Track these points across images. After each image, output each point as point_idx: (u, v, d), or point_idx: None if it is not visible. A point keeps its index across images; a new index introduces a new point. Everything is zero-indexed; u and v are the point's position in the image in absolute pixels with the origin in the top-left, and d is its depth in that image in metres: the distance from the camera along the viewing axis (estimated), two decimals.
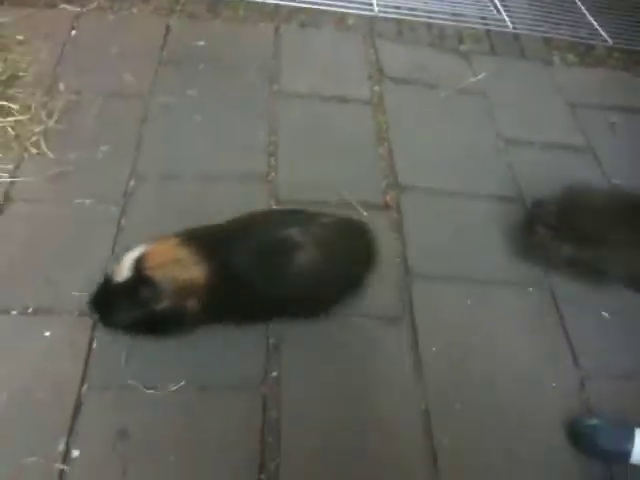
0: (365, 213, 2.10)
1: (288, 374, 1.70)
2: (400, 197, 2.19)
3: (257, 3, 2.89)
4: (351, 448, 1.60)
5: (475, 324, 1.89)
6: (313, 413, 1.64)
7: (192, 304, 1.54)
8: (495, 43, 2.99)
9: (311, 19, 2.91)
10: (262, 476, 1.52)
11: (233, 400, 1.63)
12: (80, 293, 1.77)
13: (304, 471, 1.54)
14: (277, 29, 2.79)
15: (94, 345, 1.69)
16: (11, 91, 2.28)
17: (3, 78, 2.31)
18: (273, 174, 2.18)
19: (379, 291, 1.91)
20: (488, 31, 3.04)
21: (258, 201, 2.09)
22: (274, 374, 1.70)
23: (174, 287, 1.50)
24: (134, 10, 2.73)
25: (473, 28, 3.03)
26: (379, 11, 2.98)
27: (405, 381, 1.74)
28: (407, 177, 2.26)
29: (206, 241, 1.59)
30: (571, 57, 3.02)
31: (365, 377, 1.74)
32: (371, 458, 1.59)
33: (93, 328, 1.72)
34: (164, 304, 1.50)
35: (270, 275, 1.58)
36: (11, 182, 2.02)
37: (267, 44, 2.71)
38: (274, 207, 2.07)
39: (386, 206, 2.15)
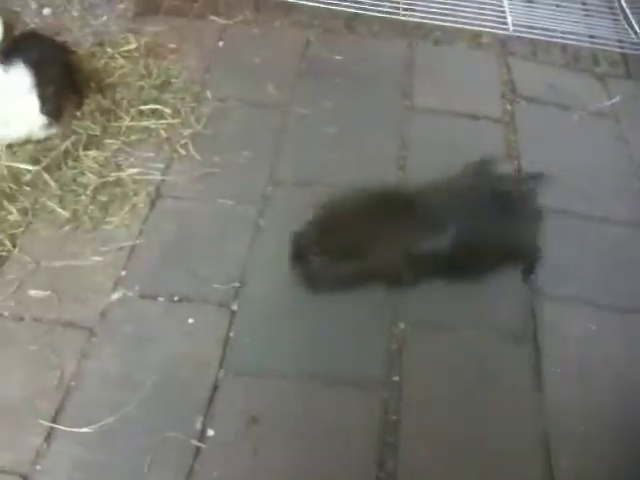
0: None
1: (410, 380, 1.76)
2: None
3: (392, 20, 2.98)
4: (468, 461, 1.64)
5: (601, 349, 1.88)
6: (433, 421, 1.69)
7: None
8: (631, 67, 2.93)
9: (444, 36, 2.96)
10: (381, 474, 1.59)
11: (355, 399, 1.72)
12: (220, 286, 1.92)
13: (423, 473, 1.60)
14: (410, 45, 2.87)
15: (231, 334, 1.82)
16: (164, 96, 2.47)
17: (157, 83, 2.51)
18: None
19: (504, 307, 1.94)
20: (624, 54, 2.99)
21: None
22: (395, 379, 1.76)
23: None
24: (277, 24, 2.88)
25: (609, 50, 2.98)
26: (513, 30, 2.99)
27: (525, 400, 1.76)
28: None
29: None
30: None
31: (485, 392, 1.77)
32: (489, 473, 1.63)
33: (231, 319, 1.85)
34: None
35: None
36: (162, 180, 2.20)
37: (400, 60, 2.79)
38: None
39: None
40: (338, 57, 2.74)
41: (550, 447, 1.67)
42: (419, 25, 2.98)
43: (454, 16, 3.00)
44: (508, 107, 2.63)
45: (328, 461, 1.60)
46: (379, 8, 2.98)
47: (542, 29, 3.03)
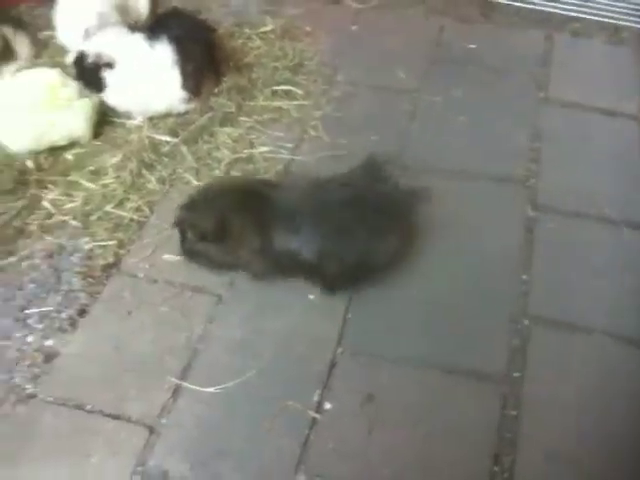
0: (628, 232, 2.04)
1: (531, 377, 1.72)
2: None
3: (529, 9, 2.90)
4: (589, 460, 1.58)
5: None
6: (553, 418, 1.64)
7: None
8: None
9: (583, 29, 2.85)
10: (496, 468, 1.57)
11: (474, 391, 1.69)
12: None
13: (540, 471, 1.56)
14: (548, 37, 2.78)
15: (349, 315, 1.85)
16: (297, 78, 2.52)
17: (291, 65, 2.57)
18: (533, 180, 2.20)
19: (626, 309, 1.86)
20: None
21: (514, 204, 2.12)
22: (516, 374, 1.73)
23: None
24: (411, 10, 2.87)
25: None
26: None
27: None
28: None
29: None
30: None
31: (605, 395, 1.70)
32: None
33: (349, 300, 1.87)
34: None
35: None
36: (291, 159, 2.25)
37: (537, 51, 2.71)
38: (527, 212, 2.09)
39: None
40: (472, 46, 2.70)
41: None
42: (557, 16, 2.88)
43: (594, 8, 2.88)
44: None
45: (443, 450, 1.59)
46: None
47: None
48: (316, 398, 1.67)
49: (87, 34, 2.37)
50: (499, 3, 2.89)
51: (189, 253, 1.88)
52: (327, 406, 1.66)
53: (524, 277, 1.94)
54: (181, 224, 1.84)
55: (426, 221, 2.06)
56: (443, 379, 1.71)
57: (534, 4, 2.90)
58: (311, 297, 1.88)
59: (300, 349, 1.77)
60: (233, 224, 1.78)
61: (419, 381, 1.71)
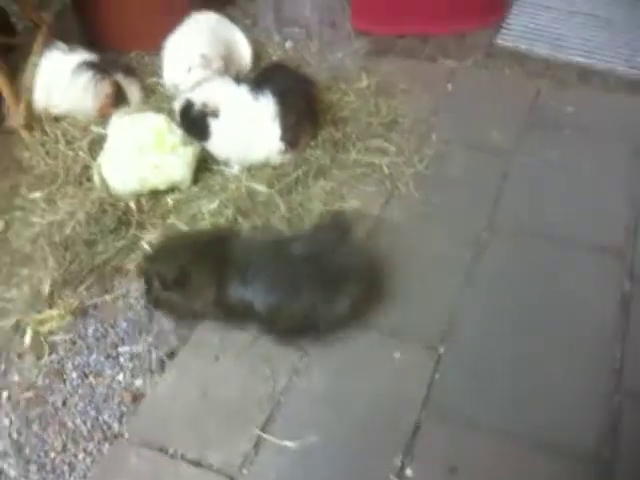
0: None
1: (624, 455, 1.64)
2: None
3: (626, 75, 2.85)
4: None
5: None
6: None
7: None
8: None
9: None
10: None
11: (562, 470, 1.63)
12: (429, 326, 1.93)
13: None
14: None
15: (436, 376, 1.82)
16: (390, 134, 2.55)
17: (385, 121, 2.60)
18: (630, 250, 2.13)
19: None
20: None
21: (609, 274, 2.06)
22: (607, 453, 1.65)
23: None
24: (507, 71, 2.87)
25: None
26: None
27: None
28: None
29: None
30: None
31: None
32: None
33: (437, 361, 1.85)
34: None
35: None
36: (381, 214, 2.26)
37: (635, 117, 2.65)
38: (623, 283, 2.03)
39: None
40: (569, 109, 2.67)
41: None
42: None
43: None
44: None
45: None
46: (612, 63, 2.86)
47: None
48: (398, 462, 1.64)
49: (189, 72, 2.52)
50: (596, 69, 2.85)
51: (154, 302, 1.92)
52: (409, 473, 1.62)
53: (618, 351, 1.87)
54: (146, 274, 1.90)
55: (516, 283, 2.03)
56: (533, 455, 1.65)
57: (629, 72, 2.85)
58: (397, 355, 1.87)
59: (384, 409, 1.76)
60: (193, 273, 1.83)
61: (507, 455, 1.65)
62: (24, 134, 2.55)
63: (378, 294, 1.99)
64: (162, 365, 1.87)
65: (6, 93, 2.49)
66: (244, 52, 2.82)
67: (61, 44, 2.63)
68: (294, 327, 1.84)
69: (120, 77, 2.61)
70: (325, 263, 1.83)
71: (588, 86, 2.81)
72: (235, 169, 2.38)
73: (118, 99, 2.58)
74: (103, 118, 2.55)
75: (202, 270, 1.83)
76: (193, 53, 2.56)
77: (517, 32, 3.04)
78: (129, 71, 2.70)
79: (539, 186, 2.36)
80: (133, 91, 2.63)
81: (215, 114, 2.26)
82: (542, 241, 2.16)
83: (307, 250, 1.85)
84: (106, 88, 2.56)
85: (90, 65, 2.56)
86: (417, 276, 2.08)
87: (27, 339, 1.94)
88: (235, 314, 1.87)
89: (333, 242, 1.89)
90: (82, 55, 2.60)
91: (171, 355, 1.89)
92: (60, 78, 2.56)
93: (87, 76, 2.54)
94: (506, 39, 3.01)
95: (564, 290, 2.03)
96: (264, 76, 2.42)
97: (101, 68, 2.58)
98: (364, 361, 1.86)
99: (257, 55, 2.91)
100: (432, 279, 2.07)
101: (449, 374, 1.82)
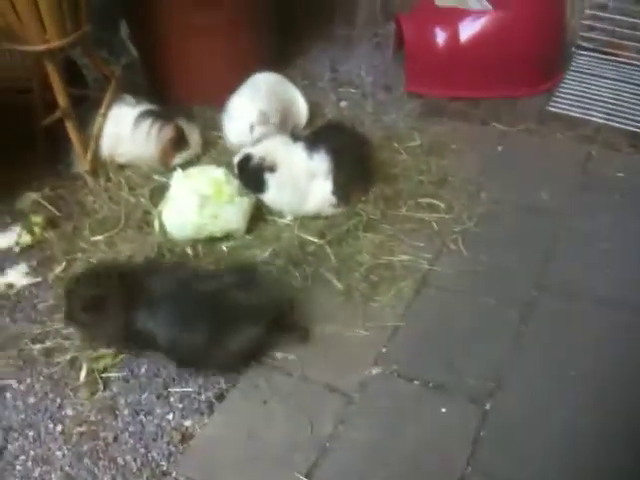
0: None
1: None
2: None
3: None
4: None
5: None
6: None
7: None
8: None
9: None
10: None
11: None
12: (475, 382, 1.93)
13: None
14: None
15: (482, 433, 1.81)
16: (440, 192, 2.61)
17: (435, 179, 2.66)
18: None
19: None
20: None
21: None
22: None
23: None
24: (558, 135, 2.91)
25: None
26: None
27: None
28: None
29: None
30: None
31: None
32: None
33: (483, 417, 1.85)
34: None
35: None
36: (429, 270, 2.30)
37: None
38: None
39: None
40: (619, 174, 2.69)
41: None
42: None
43: None
44: None
45: None
46: None
47: None
48: None
49: (251, 129, 2.63)
50: None
51: (69, 318, 2.03)
52: None
53: None
54: (67, 293, 2.02)
55: (565, 345, 2.04)
56: None
57: None
58: (443, 410, 1.87)
59: (428, 462, 1.76)
60: (108, 299, 1.94)
61: None
62: (89, 180, 2.70)
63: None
64: (211, 407, 1.91)
65: (75, 141, 2.64)
66: (301, 110, 2.94)
67: (129, 97, 2.78)
68: (193, 359, 1.95)
69: (182, 122, 2.74)
70: (227, 301, 1.94)
71: (639, 152, 2.83)
72: (288, 219, 2.46)
73: (179, 144, 2.71)
74: (166, 163, 2.70)
75: (117, 298, 1.94)
76: (253, 111, 2.68)
77: (569, 99, 3.10)
78: (189, 118, 2.83)
79: (589, 248, 2.37)
80: (193, 136, 2.76)
81: (272, 168, 2.35)
82: (592, 304, 2.16)
83: (212, 288, 1.96)
84: (168, 132, 2.69)
85: (151, 113, 2.70)
86: (464, 332, 2.09)
87: (82, 375, 2.01)
88: (141, 342, 1.98)
89: (238, 283, 1.99)
90: (146, 107, 2.74)
91: (220, 397, 1.93)
92: (125, 128, 2.70)
93: (149, 122, 2.67)
94: (558, 105, 3.07)
95: (614, 354, 2.01)
96: (319, 134, 2.52)
97: (162, 115, 2.72)
98: (410, 413, 1.87)
99: (313, 113, 3.02)
100: (480, 336, 2.08)
101: (494, 432, 1.82)
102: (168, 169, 2.68)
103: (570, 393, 1.90)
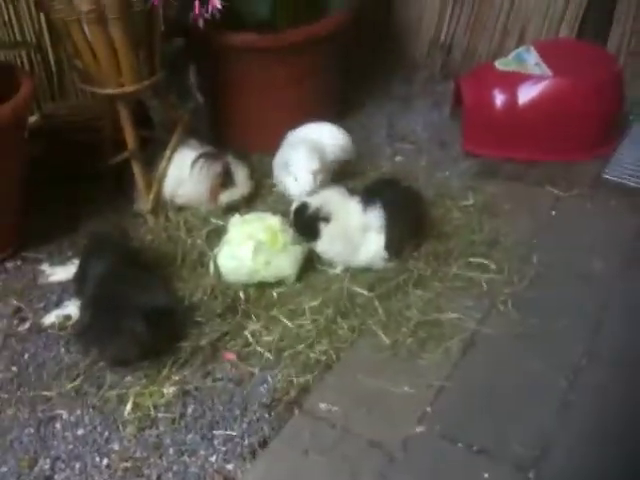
0: None
1: None
2: None
3: None
4: None
5: None
6: None
7: None
8: None
9: None
10: None
11: None
12: (520, 448, 1.91)
13: None
14: None
15: None
16: (492, 252, 2.61)
17: (487, 239, 2.67)
18: None
19: None
20: None
21: None
22: None
23: None
24: (612, 202, 2.90)
25: None
26: None
27: None
28: None
29: None
30: None
31: None
32: None
33: None
34: None
35: None
36: (477, 330, 2.30)
37: None
38: None
39: None
40: None
41: None
42: None
43: None
44: None
45: None
46: None
47: None
48: None
49: (314, 179, 2.72)
50: None
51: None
52: None
53: None
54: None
55: (614, 415, 2.00)
56: None
57: None
58: (486, 475, 1.85)
59: None
60: None
61: None
62: (149, 219, 2.79)
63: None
64: (254, 452, 1.93)
65: (140, 181, 2.74)
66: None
67: (193, 141, 2.89)
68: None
69: (229, 159, 2.82)
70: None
71: None
72: (338, 270, 2.50)
73: (226, 181, 2.79)
74: (213, 199, 2.79)
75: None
76: (315, 161, 2.76)
77: (626, 166, 3.09)
78: (239, 156, 2.89)
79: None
80: (241, 174, 2.83)
81: (327, 219, 2.41)
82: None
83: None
84: (216, 168, 2.77)
85: (206, 154, 2.80)
86: (511, 395, 2.08)
87: (127, 409, 2.05)
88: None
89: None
90: (205, 149, 2.83)
91: (263, 444, 1.95)
92: (186, 171, 2.79)
93: (202, 161, 2.76)
94: (614, 173, 3.06)
95: None
96: (374, 189, 2.57)
97: (215, 155, 2.81)
98: (452, 476, 1.85)
99: (368, 166, 3.09)
100: (526, 400, 2.06)
101: None
102: (216, 207, 2.79)
103: (618, 469, 1.86)
